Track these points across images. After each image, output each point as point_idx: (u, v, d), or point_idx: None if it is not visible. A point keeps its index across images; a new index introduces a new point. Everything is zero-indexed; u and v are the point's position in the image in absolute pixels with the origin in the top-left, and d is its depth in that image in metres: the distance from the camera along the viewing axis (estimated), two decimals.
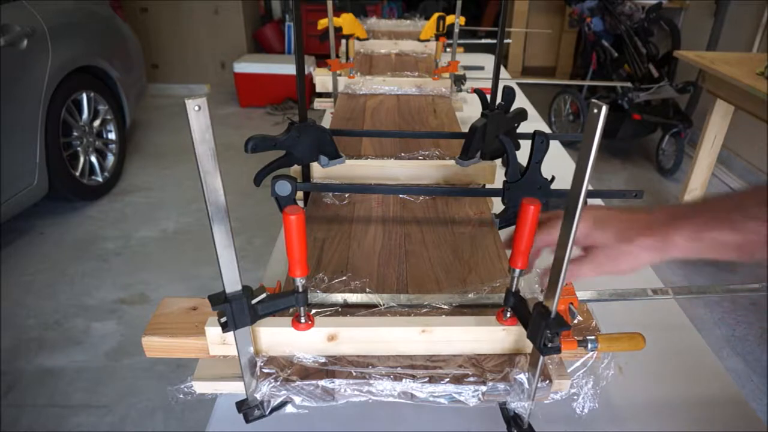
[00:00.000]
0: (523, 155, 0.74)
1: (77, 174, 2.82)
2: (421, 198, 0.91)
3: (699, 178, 2.58)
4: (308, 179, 0.91)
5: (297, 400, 0.54)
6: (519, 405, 0.54)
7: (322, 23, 1.55)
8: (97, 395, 1.80)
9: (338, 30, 1.67)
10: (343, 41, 1.72)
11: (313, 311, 0.60)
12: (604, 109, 0.36)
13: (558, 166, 0.83)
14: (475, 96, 1.22)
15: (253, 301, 0.50)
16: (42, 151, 2.48)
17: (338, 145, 0.88)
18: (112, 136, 3.13)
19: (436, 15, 1.84)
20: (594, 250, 0.49)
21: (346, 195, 0.91)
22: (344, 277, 0.68)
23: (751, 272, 2.58)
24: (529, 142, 0.74)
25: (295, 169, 0.91)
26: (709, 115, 2.46)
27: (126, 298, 2.28)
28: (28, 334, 2.06)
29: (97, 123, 3.00)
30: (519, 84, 1.88)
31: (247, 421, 0.54)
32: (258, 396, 0.54)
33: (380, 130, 1.21)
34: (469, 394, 0.54)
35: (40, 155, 2.48)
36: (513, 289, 0.53)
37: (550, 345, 0.48)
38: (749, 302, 2.31)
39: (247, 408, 0.54)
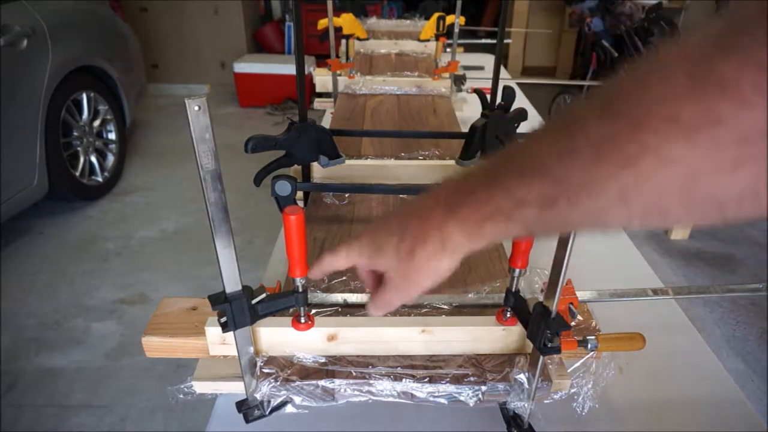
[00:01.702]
0: None
1: (77, 174, 2.82)
2: None
3: None
4: (308, 179, 0.91)
5: (297, 400, 0.54)
6: (519, 405, 0.54)
7: (322, 23, 1.55)
8: (97, 395, 1.80)
9: (338, 30, 1.67)
10: (343, 41, 1.72)
11: (313, 311, 0.60)
12: None
13: None
14: (475, 96, 1.22)
15: (253, 301, 0.50)
16: (42, 151, 2.48)
17: (338, 145, 0.88)
18: (112, 136, 3.13)
19: (436, 15, 1.84)
20: (388, 275, 0.44)
21: (346, 195, 0.91)
22: (344, 277, 0.68)
23: (751, 272, 2.58)
24: None
25: (295, 169, 0.91)
26: None
27: (126, 298, 2.28)
28: (28, 334, 2.06)
29: (97, 123, 2.99)
30: (519, 84, 1.88)
31: (247, 421, 0.54)
32: (258, 396, 0.54)
33: (380, 130, 1.21)
34: (469, 394, 0.54)
35: (40, 155, 2.48)
36: (513, 289, 0.53)
37: (550, 345, 0.48)
38: (749, 302, 2.31)
39: (247, 408, 0.54)
